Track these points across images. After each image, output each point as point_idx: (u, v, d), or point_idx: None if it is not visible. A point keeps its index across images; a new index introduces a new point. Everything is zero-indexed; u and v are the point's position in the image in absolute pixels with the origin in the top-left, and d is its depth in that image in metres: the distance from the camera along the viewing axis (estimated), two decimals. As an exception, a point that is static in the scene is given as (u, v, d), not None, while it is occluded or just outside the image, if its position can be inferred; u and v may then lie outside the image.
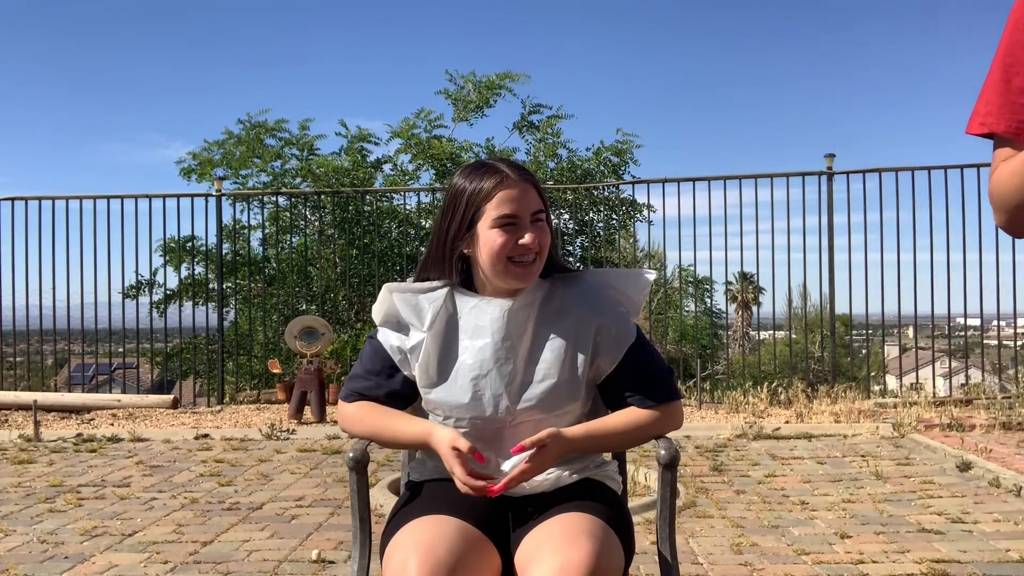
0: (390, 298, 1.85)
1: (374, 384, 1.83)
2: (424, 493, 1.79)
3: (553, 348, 1.78)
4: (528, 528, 1.68)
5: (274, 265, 11.19)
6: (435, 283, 1.83)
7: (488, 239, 1.73)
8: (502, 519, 1.76)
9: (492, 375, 1.76)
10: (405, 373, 1.82)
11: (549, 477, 1.77)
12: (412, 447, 1.82)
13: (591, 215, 12.33)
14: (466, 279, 1.84)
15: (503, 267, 1.74)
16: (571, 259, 12.02)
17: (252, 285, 11.85)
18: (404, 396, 1.84)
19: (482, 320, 1.79)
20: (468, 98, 13.73)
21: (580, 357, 1.77)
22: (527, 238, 1.73)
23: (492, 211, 1.72)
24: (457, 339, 1.81)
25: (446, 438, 1.68)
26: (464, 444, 1.65)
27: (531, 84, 18.96)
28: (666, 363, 1.87)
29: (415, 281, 1.86)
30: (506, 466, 1.68)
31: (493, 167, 1.76)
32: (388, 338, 1.84)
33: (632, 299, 1.85)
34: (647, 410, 1.80)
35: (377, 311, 1.87)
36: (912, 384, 9.77)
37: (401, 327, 1.83)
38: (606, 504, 1.74)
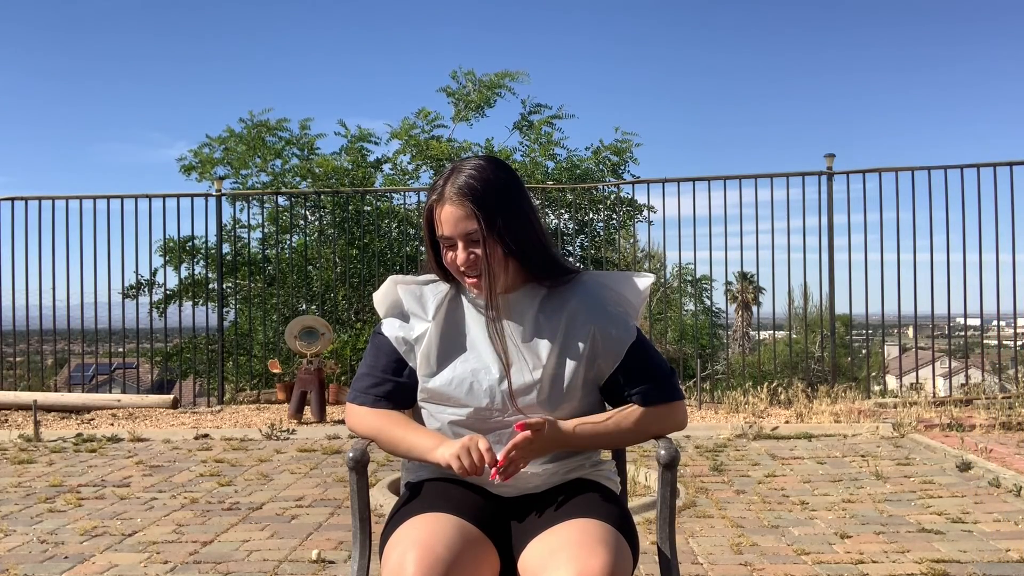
0: (394, 289, 1.86)
1: (380, 380, 1.83)
2: (423, 492, 1.78)
3: (551, 345, 1.78)
4: (535, 532, 1.68)
5: (274, 265, 11.19)
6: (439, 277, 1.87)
7: (444, 254, 1.78)
8: (502, 519, 1.75)
9: (491, 367, 1.76)
10: (411, 364, 1.82)
11: (542, 474, 1.77)
12: (420, 459, 1.80)
13: (591, 215, 12.33)
14: None
15: (461, 279, 1.80)
16: (571, 259, 12.01)
17: (252, 285, 11.86)
18: (412, 390, 1.84)
19: (483, 312, 1.81)
20: (469, 97, 13.75)
21: (577, 356, 1.77)
22: (458, 260, 1.75)
23: (437, 230, 1.76)
24: (459, 330, 1.82)
25: (459, 441, 1.68)
26: (484, 443, 1.66)
27: (531, 82, 18.98)
28: (668, 364, 1.86)
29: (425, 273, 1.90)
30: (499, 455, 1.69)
31: (441, 181, 1.77)
32: (392, 328, 1.84)
33: (631, 301, 1.85)
34: (647, 408, 1.79)
35: (381, 301, 1.87)
36: (912, 384, 9.77)
37: (405, 317, 1.84)
38: (613, 508, 1.74)
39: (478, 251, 1.73)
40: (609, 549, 1.56)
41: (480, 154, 1.88)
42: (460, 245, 1.74)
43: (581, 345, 1.77)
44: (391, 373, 1.83)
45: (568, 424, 1.74)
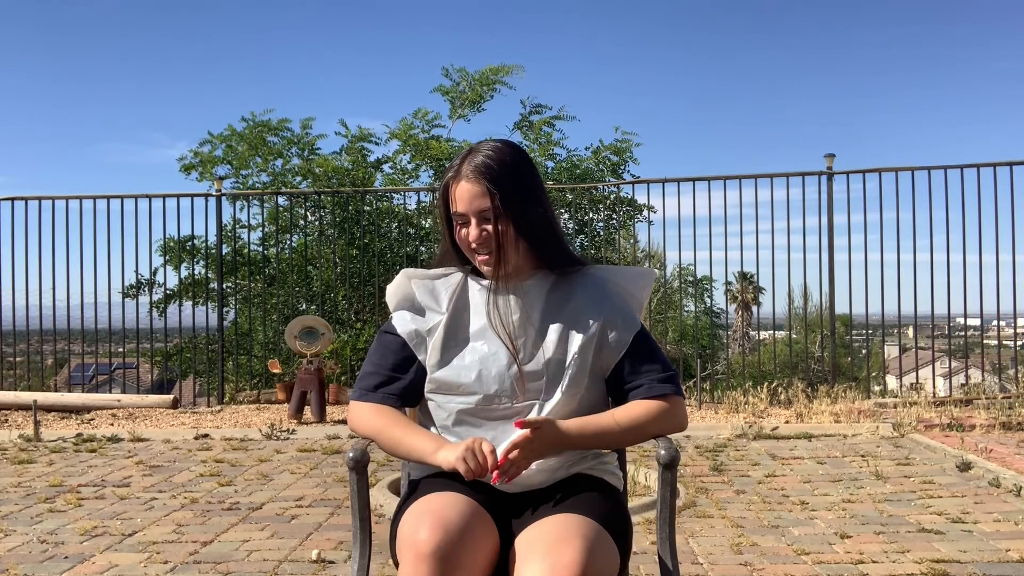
0: (407, 282, 1.89)
1: (388, 378, 1.84)
2: (429, 482, 1.80)
3: (559, 333, 1.80)
4: (524, 523, 1.69)
5: (274, 265, 11.20)
6: (450, 269, 1.90)
7: (457, 234, 1.82)
8: (504, 515, 1.75)
9: (499, 354, 1.78)
10: (420, 358, 1.84)
11: (544, 470, 1.77)
12: (420, 462, 1.80)
13: (591, 215, 12.33)
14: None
15: (472, 259, 1.83)
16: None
17: (252, 285, 11.86)
18: (417, 388, 1.85)
19: (490, 301, 1.83)
20: (464, 94, 13.75)
21: (584, 345, 1.79)
22: (470, 236, 1.79)
23: (452, 208, 1.81)
24: (469, 319, 1.84)
25: (462, 444, 1.69)
26: (488, 445, 1.67)
27: (531, 82, 19.10)
28: (671, 364, 1.88)
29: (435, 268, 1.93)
30: (500, 450, 1.70)
31: (462, 160, 1.81)
32: (404, 321, 1.86)
33: (635, 296, 1.88)
34: (650, 402, 1.79)
35: (393, 294, 1.89)
36: (912, 384, 9.77)
37: (417, 310, 1.86)
38: (604, 503, 1.74)
39: (491, 228, 1.77)
40: (585, 542, 1.56)
41: (497, 137, 1.90)
42: (473, 222, 1.78)
43: (588, 335, 1.80)
44: (397, 371, 1.84)
45: (568, 424, 1.74)
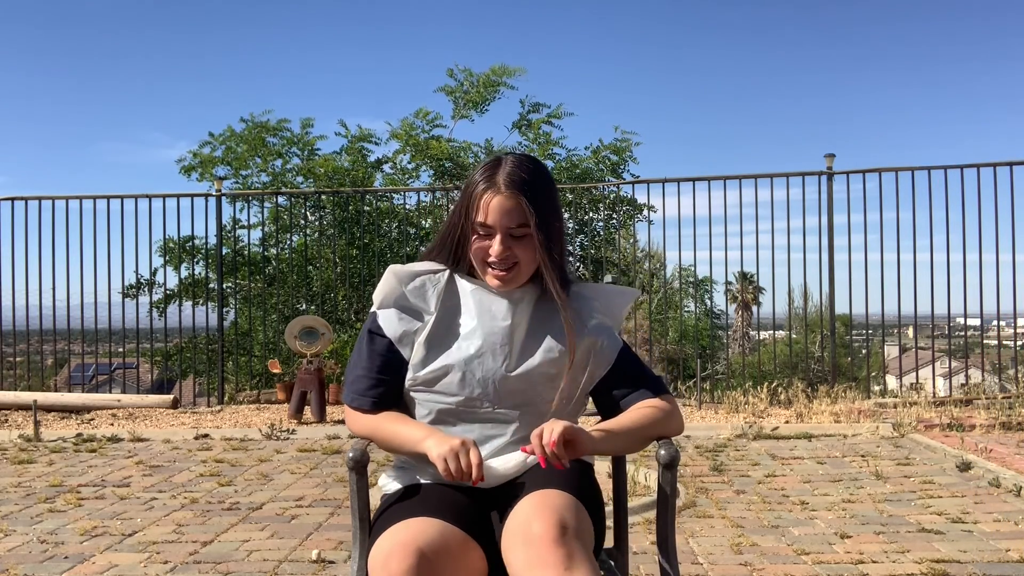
0: (395, 280, 1.87)
1: (376, 381, 1.84)
2: (406, 499, 1.76)
3: (546, 341, 1.80)
4: (504, 513, 1.68)
5: (274, 265, 11.20)
6: (437, 265, 1.88)
7: (472, 240, 1.79)
8: (486, 515, 1.74)
9: (485, 357, 1.78)
10: (406, 356, 1.83)
11: (517, 462, 1.76)
12: (412, 452, 1.79)
13: (591, 215, 12.34)
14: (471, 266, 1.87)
15: (481, 269, 1.81)
16: (571, 259, 12.01)
17: (252, 285, 11.86)
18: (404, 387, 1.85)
19: (482, 304, 1.83)
20: (468, 95, 13.76)
21: (570, 358, 1.80)
22: (493, 251, 1.76)
23: (476, 215, 1.76)
24: (457, 321, 1.83)
25: (449, 441, 1.67)
26: (476, 456, 1.65)
27: (531, 81, 19.13)
28: (655, 374, 1.91)
29: (421, 261, 1.91)
30: (507, 460, 1.69)
31: (494, 170, 1.77)
32: (389, 320, 1.84)
33: (615, 315, 1.90)
34: (648, 406, 1.80)
35: (380, 292, 1.87)
36: (912, 384, 9.77)
37: (404, 308, 1.85)
38: (576, 479, 1.74)
39: (515, 248, 1.75)
40: (561, 509, 1.56)
41: (520, 152, 1.90)
42: (498, 237, 1.75)
43: (575, 348, 1.80)
44: (385, 372, 1.84)
45: (595, 432, 1.72)
